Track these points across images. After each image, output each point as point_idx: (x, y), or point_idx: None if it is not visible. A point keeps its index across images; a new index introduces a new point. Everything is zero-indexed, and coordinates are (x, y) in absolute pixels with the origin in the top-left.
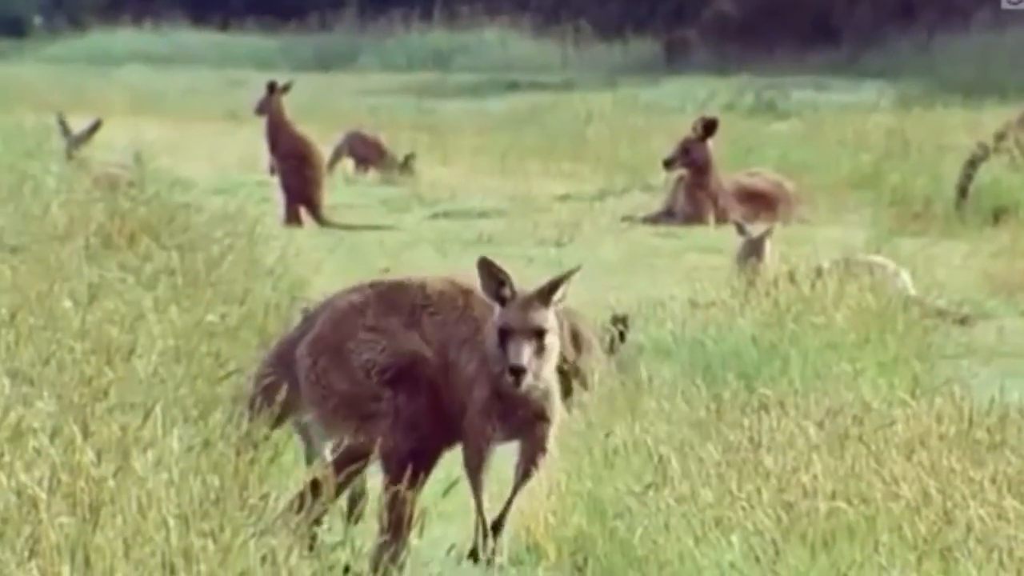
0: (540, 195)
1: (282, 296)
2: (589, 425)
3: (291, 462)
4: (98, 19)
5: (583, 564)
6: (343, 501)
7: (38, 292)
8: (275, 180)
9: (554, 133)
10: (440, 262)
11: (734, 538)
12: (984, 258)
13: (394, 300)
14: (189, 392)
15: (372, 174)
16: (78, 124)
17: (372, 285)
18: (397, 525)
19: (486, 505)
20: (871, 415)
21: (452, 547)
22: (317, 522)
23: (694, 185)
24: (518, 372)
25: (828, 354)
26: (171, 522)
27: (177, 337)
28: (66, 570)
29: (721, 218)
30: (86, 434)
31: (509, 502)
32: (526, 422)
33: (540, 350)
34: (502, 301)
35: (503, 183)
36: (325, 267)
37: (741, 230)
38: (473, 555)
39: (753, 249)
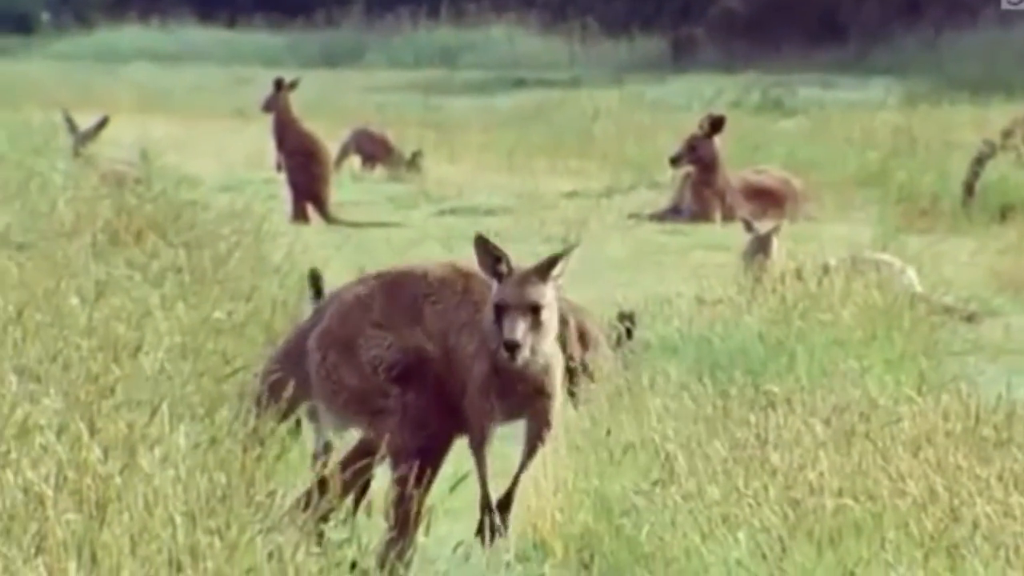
0: (547, 192)
1: (289, 293)
2: (596, 422)
3: (298, 459)
4: (105, 16)
5: (589, 561)
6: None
7: (45, 289)
8: (282, 177)
9: (561, 130)
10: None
11: (741, 535)
12: (991, 255)
13: (397, 292)
14: (196, 389)
15: (379, 171)
16: (85, 121)
17: (377, 276)
18: (404, 522)
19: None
20: (878, 412)
21: (459, 544)
22: (324, 519)
23: (701, 182)
24: (513, 347)
25: (835, 351)
26: (178, 519)
27: (184, 334)
28: (73, 567)
29: (728, 215)
30: (93, 431)
31: (516, 479)
32: (526, 398)
33: (536, 325)
34: (499, 277)
35: (510, 180)
36: (332, 264)
37: (749, 227)
38: (480, 532)
39: (760, 246)
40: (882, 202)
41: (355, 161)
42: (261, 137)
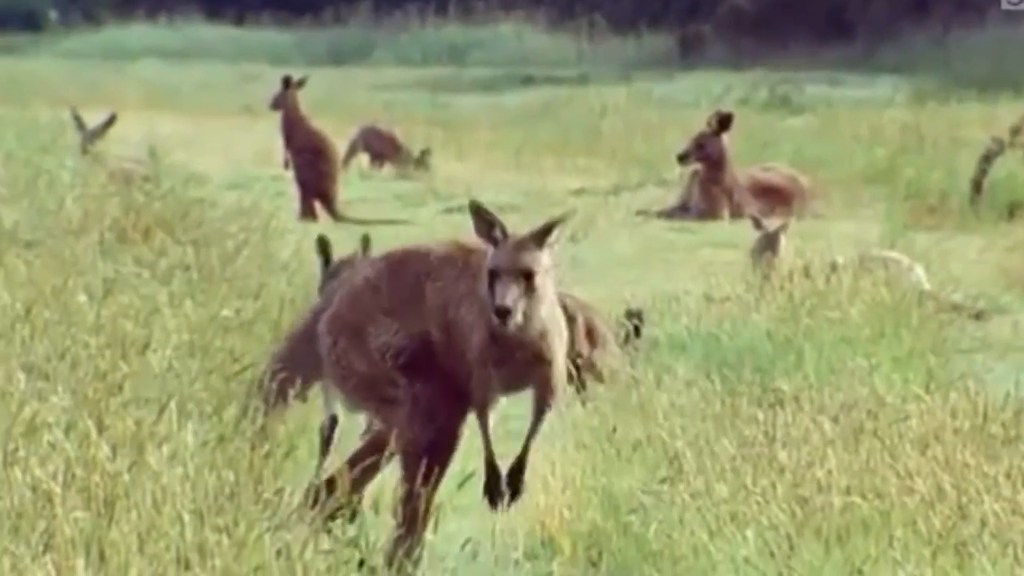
0: (555, 190)
1: (297, 291)
2: (603, 420)
3: (306, 457)
4: (113, 14)
5: (598, 559)
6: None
7: (53, 287)
8: (290, 175)
9: (569, 128)
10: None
11: (749, 533)
12: (999, 252)
13: (402, 272)
14: (204, 387)
15: (387, 169)
16: (93, 119)
17: (385, 257)
18: (412, 520)
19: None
20: (886, 410)
21: (467, 541)
22: (332, 517)
23: (709, 180)
24: (503, 313)
25: (843, 349)
26: (186, 517)
27: (192, 332)
28: (81, 564)
29: (736, 213)
30: (101, 429)
31: (527, 445)
32: (526, 365)
33: (530, 291)
34: (495, 243)
35: (518, 178)
36: None
37: (758, 225)
38: (487, 490)
39: (768, 244)
40: (890, 199)
41: (363, 159)
42: (269, 135)
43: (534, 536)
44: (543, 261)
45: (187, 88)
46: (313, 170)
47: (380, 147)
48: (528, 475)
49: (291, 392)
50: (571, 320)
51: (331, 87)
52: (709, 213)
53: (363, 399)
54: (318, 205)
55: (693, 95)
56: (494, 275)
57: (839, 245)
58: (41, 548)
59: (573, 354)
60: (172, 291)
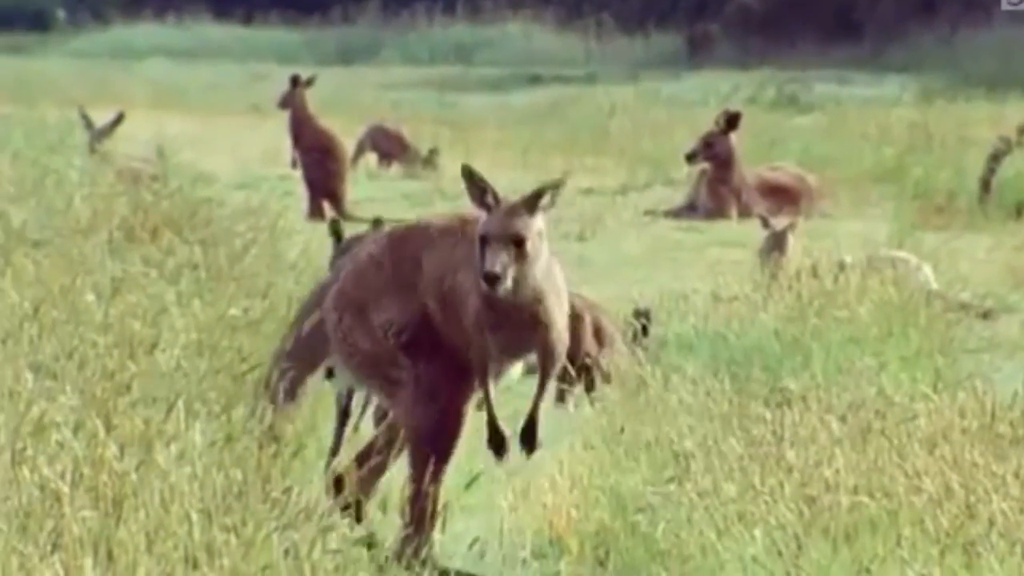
0: (562, 189)
1: (305, 290)
2: (611, 419)
3: (314, 456)
4: (121, 13)
5: (605, 558)
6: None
7: (61, 286)
8: (298, 174)
9: (576, 127)
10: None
11: (756, 532)
12: (1007, 252)
13: (403, 247)
14: (212, 386)
15: (395, 168)
16: (101, 118)
17: (388, 233)
18: (420, 519)
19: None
20: (893, 409)
21: (475, 541)
22: (347, 508)
23: (716, 179)
24: (492, 279)
25: (851, 348)
26: (194, 516)
27: (200, 331)
28: (89, 564)
29: (744, 212)
30: (109, 428)
31: (535, 405)
32: (522, 329)
33: (521, 257)
34: (488, 209)
35: (525, 177)
36: None
37: (766, 224)
38: (490, 443)
39: (776, 243)
40: (898, 199)
41: (371, 158)
42: (277, 134)
43: (542, 535)
44: (534, 226)
45: (195, 87)
46: (321, 169)
47: (388, 146)
48: (533, 474)
49: (299, 391)
50: (578, 319)
51: (339, 86)
52: (717, 212)
53: (367, 376)
54: (326, 204)
55: (701, 94)
56: (484, 241)
57: (847, 244)
58: (49, 547)
59: (581, 354)
60: (180, 290)
